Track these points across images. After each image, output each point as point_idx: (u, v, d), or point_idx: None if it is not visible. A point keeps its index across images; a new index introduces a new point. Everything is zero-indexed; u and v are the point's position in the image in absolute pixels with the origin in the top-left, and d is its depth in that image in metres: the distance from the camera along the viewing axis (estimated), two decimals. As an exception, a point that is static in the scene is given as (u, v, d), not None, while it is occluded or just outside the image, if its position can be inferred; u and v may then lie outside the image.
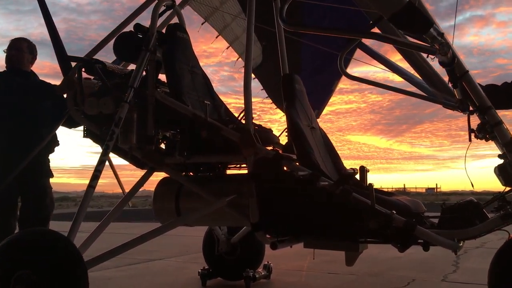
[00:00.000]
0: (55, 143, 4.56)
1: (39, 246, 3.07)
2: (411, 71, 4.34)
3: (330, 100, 5.90)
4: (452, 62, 2.85)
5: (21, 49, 4.53)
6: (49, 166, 4.56)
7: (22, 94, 4.39)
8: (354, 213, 3.04)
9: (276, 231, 3.38)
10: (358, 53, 4.83)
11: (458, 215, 3.04)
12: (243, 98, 3.42)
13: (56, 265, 2.98)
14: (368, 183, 3.54)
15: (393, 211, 2.91)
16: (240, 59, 5.76)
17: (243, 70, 3.54)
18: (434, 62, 3.91)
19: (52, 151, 4.56)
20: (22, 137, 4.27)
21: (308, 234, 3.34)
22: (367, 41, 4.64)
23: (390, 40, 3.03)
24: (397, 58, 4.54)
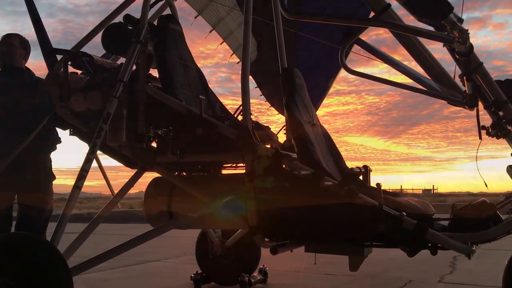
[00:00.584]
0: (56, 140, 4.31)
1: (19, 252, 2.84)
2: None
3: (328, 102, 5.75)
4: (470, 52, 2.65)
5: (13, 45, 4.26)
6: (51, 168, 4.30)
7: (19, 94, 4.16)
8: (360, 215, 2.85)
9: (275, 234, 3.18)
10: (356, 53, 4.68)
11: (471, 217, 2.85)
12: (240, 99, 3.26)
13: (37, 272, 2.75)
14: (376, 183, 3.33)
15: (403, 213, 2.72)
16: (234, 55, 5.56)
17: (237, 69, 3.36)
18: (439, 58, 3.79)
19: (54, 148, 4.31)
20: (21, 137, 4.01)
21: (309, 237, 3.14)
22: (365, 36, 4.49)
23: (401, 28, 2.83)
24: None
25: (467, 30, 2.53)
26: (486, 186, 3.11)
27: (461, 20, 2.52)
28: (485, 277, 5.10)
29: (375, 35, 5.73)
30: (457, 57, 2.73)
